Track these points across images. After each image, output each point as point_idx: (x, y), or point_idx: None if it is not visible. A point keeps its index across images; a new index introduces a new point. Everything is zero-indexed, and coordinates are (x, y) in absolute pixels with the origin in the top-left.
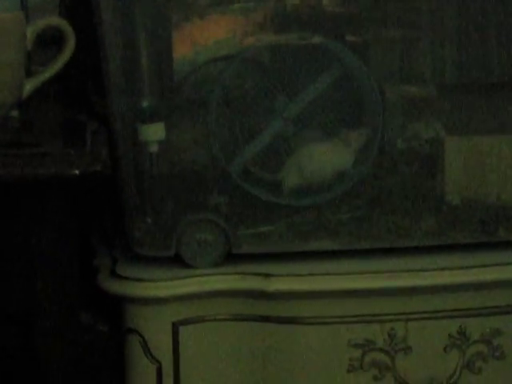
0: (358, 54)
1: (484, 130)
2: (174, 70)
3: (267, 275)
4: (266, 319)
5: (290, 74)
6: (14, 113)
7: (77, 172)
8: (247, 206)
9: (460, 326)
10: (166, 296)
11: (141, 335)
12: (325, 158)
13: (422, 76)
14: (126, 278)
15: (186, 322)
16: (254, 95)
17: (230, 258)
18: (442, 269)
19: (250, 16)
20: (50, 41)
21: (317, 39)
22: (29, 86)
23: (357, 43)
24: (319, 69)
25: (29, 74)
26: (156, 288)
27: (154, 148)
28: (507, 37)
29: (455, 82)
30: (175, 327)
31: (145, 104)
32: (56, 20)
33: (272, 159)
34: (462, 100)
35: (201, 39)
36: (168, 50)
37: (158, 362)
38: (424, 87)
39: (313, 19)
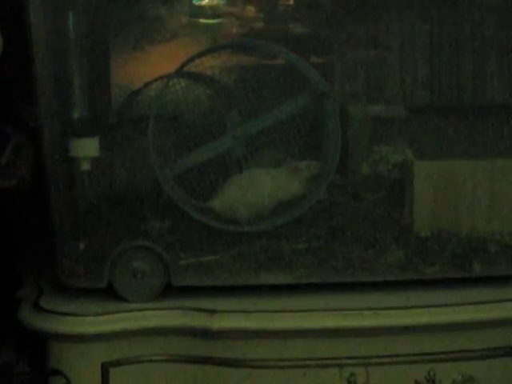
0: (324, 75)
1: (456, 153)
2: (112, 86)
3: (211, 311)
4: (208, 361)
5: (244, 92)
6: None
7: None
8: (189, 232)
9: (428, 372)
10: (94, 333)
11: (66, 377)
12: (268, 184)
13: (391, 97)
14: (50, 312)
15: (117, 363)
16: (202, 112)
17: (170, 291)
18: (409, 307)
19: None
20: None
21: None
22: None
23: (323, 64)
24: (279, 89)
25: None
26: (84, 324)
27: (86, 166)
28: (479, 60)
29: (425, 104)
30: (105, 369)
31: (76, 115)
32: None
33: (213, 181)
34: (432, 123)
35: (147, 61)
36: (105, 62)
37: None
38: (393, 109)
39: (278, 39)
